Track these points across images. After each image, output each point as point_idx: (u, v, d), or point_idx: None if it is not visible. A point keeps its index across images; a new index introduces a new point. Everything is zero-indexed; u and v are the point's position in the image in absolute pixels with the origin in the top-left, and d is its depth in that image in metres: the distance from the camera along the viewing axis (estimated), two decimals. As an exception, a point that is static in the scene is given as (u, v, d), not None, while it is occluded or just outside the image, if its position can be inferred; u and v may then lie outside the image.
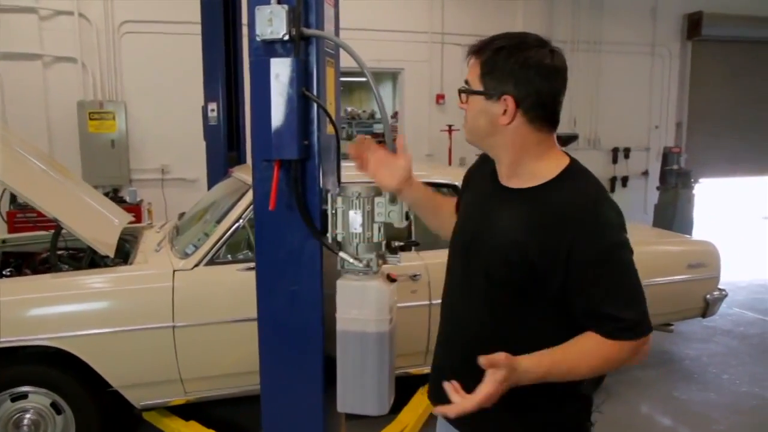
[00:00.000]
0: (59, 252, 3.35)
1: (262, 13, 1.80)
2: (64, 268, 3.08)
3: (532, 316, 1.41)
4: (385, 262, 1.99)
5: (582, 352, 1.32)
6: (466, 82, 1.44)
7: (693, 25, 8.70)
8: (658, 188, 8.22)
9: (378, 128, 14.24)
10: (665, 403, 3.79)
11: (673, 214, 7.89)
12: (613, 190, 8.67)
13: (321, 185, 1.93)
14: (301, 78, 1.81)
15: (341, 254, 1.91)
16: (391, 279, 1.99)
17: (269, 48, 1.84)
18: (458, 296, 1.57)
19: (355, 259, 1.91)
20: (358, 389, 1.97)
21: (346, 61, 7.71)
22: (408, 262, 3.13)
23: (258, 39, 1.82)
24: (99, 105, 6.36)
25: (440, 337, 1.67)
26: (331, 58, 1.99)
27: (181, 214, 3.82)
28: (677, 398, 3.84)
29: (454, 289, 1.60)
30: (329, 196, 1.92)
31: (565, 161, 1.45)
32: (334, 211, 1.93)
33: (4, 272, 3.15)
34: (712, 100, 9.07)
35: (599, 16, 8.22)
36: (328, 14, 1.95)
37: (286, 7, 1.78)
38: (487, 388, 1.23)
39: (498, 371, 1.23)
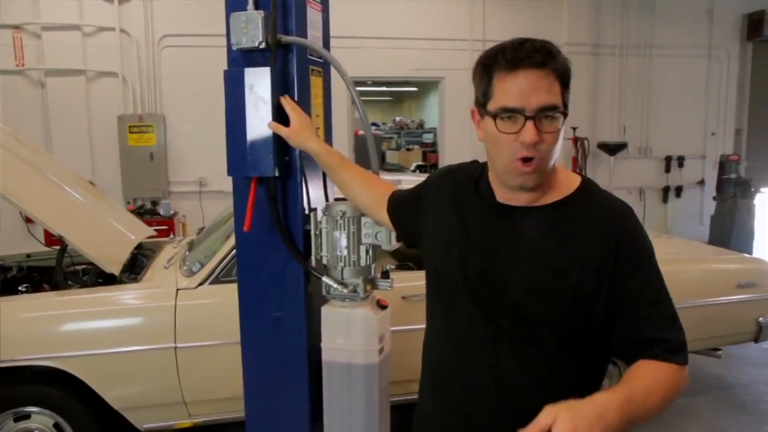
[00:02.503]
0: (75, 268, 3.34)
1: (236, 20, 1.68)
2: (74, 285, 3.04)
3: (565, 356, 1.23)
4: (374, 288, 1.84)
5: (649, 383, 1.10)
6: (552, 107, 1.13)
7: (754, 25, 8.18)
8: (714, 198, 7.75)
9: (428, 138, 14.12)
10: (712, 436, 3.48)
11: (731, 225, 7.41)
12: (666, 200, 8.22)
13: (304, 204, 1.80)
14: (279, 89, 1.69)
15: (325, 279, 1.77)
16: (381, 306, 1.84)
17: (247, 57, 1.73)
18: (473, 345, 1.27)
19: (340, 284, 1.76)
20: (346, 425, 1.82)
21: (391, 70, 7.45)
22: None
23: (234, 48, 1.71)
24: (138, 118, 6.43)
25: (448, 399, 1.33)
26: (318, 67, 1.85)
27: (201, 229, 3.76)
28: (727, 430, 3.51)
29: (460, 337, 1.29)
30: (312, 215, 1.78)
31: (574, 174, 1.29)
32: (318, 232, 1.79)
33: (20, 288, 3.14)
34: (774, 105, 8.52)
35: (650, 18, 7.83)
36: (314, 20, 1.82)
37: (262, 13, 1.66)
38: None
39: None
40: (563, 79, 1.15)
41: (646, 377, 1.11)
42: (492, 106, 1.16)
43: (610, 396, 1.05)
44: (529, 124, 1.12)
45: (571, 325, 1.20)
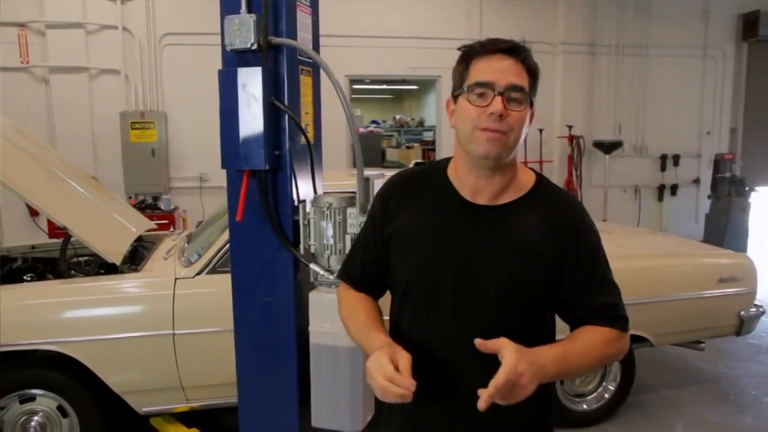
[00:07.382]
0: (77, 259, 3.46)
1: (230, 22, 1.80)
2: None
3: (533, 337, 1.30)
4: (359, 275, 1.95)
5: (587, 344, 1.29)
6: (520, 88, 1.26)
7: (749, 25, 8.28)
8: (709, 197, 7.85)
9: (428, 136, 14.17)
10: (696, 426, 3.57)
11: (726, 223, 7.51)
12: (661, 198, 8.32)
13: (294, 196, 1.91)
14: (270, 87, 1.80)
15: (312, 266, 1.88)
16: (366, 291, 1.94)
17: (241, 57, 1.84)
18: (455, 336, 1.32)
19: (327, 270, 1.88)
20: (332, 404, 1.93)
21: (388, 69, 7.54)
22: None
23: (228, 49, 1.83)
24: (140, 115, 6.56)
25: (430, 397, 1.31)
26: (308, 67, 1.96)
27: (199, 223, 3.87)
28: (708, 421, 3.61)
29: (441, 329, 1.33)
30: (300, 207, 1.89)
31: (530, 170, 1.43)
32: (306, 222, 1.90)
33: (25, 277, 3.26)
34: (770, 104, 8.60)
35: (646, 18, 7.93)
36: (304, 22, 1.93)
37: (254, 16, 1.77)
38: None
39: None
40: (532, 74, 1.30)
41: (584, 338, 1.30)
42: (466, 84, 1.29)
43: (550, 350, 1.22)
44: (498, 97, 1.24)
45: (541, 309, 1.36)
